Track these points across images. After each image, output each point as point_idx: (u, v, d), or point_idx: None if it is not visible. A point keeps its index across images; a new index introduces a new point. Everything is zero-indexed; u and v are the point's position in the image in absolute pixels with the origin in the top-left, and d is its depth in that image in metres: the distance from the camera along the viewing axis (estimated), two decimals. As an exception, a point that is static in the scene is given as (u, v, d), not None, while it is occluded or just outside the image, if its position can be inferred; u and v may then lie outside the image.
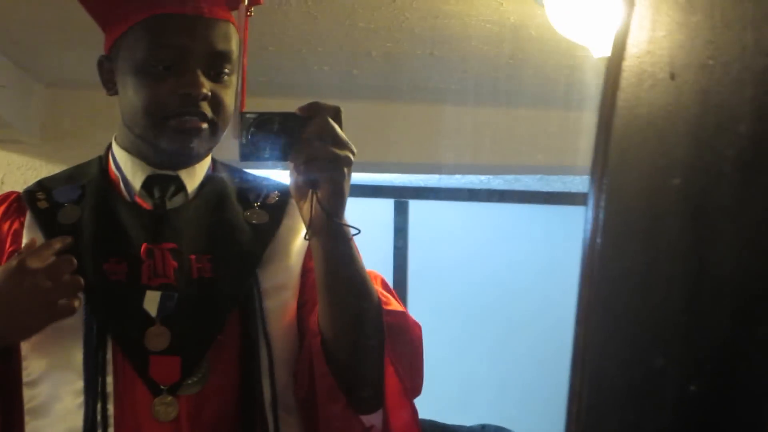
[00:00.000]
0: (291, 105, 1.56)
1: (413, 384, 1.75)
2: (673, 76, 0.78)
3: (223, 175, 1.85)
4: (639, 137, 0.78)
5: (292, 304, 1.76)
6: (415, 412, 1.73)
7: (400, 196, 6.46)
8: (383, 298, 1.69)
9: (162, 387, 1.63)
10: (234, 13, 1.74)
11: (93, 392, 1.61)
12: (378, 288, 1.73)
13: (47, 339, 1.64)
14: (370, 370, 1.66)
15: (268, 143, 1.52)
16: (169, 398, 1.62)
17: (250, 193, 1.82)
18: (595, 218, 0.79)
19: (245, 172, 1.89)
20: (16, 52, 3.26)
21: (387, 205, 6.44)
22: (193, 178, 1.79)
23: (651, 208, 0.78)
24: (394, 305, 1.72)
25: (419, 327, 1.75)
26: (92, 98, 3.74)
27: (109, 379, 1.62)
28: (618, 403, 0.78)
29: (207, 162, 1.83)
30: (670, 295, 0.78)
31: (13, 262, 1.59)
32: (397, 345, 1.68)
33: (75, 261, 1.60)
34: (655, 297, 0.78)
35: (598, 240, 0.78)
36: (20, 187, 3.63)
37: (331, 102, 1.55)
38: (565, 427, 0.79)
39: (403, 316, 1.73)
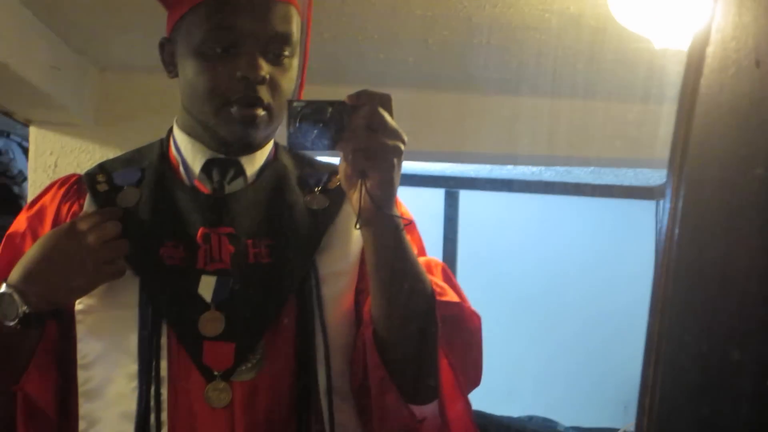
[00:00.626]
0: (345, 93, 1.55)
1: (469, 376, 1.73)
2: (758, 64, 0.76)
3: (285, 159, 1.84)
4: (721, 126, 0.76)
5: (350, 291, 1.75)
6: (468, 405, 1.71)
7: (451, 186, 6.45)
8: (437, 289, 1.66)
9: (215, 373, 1.63)
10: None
11: (147, 376, 1.62)
12: (435, 278, 1.71)
13: (102, 322, 1.65)
14: (422, 361, 1.65)
15: (317, 132, 1.51)
16: (222, 384, 1.62)
17: (311, 178, 1.81)
18: (674, 208, 0.77)
19: (308, 157, 1.88)
20: (71, 35, 3.27)
21: (438, 195, 6.44)
22: (254, 162, 1.78)
23: (732, 198, 0.76)
24: (450, 296, 1.69)
25: (478, 318, 1.72)
26: (146, 82, 3.75)
27: (164, 364, 1.63)
28: (692, 396, 0.77)
29: (268, 147, 1.82)
30: (748, 288, 0.76)
31: (64, 225, 1.64)
32: (451, 336, 1.66)
33: (120, 226, 1.65)
34: (734, 290, 0.76)
35: (677, 231, 0.77)
36: (73, 170, 3.68)
37: (386, 90, 1.53)
38: (636, 420, 0.78)
39: (459, 306, 1.69)
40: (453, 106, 4.02)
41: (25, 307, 1.59)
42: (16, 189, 5.01)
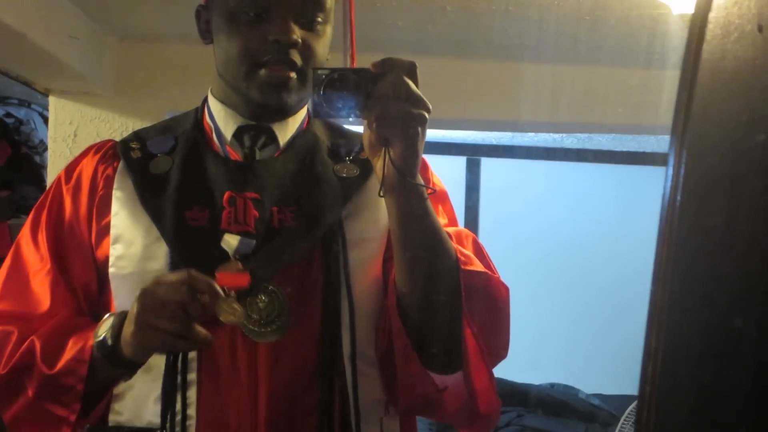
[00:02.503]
0: (363, 61, 1.54)
1: (495, 348, 1.73)
2: (761, 29, 0.75)
3: (318, 129, 1.85)
4: (724, 91, 0.76)
5: (378, 258, 1.76)
6: (491, 375, 1.71)
7: (473, 153, 6.43)
8: (463, 258, 1.66)
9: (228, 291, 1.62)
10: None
11: None
12: (463, 247, 1.71)
13: (134, 283, 1.66)
14: (445, 330, 1.65)
15: (341, 100, 1.51)
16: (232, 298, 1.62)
17: (342, 147, 1.81)
18: (676, 175, 0.76)
19: (341, 127, 1.89)
20: (89, 5, 3.28)
21: (459, 163, 6.43)
22: (286, 130, 1.79)
23: (734, 165, 0.75)
24: (477, 266, 1.69)
25: (506, 289, 1.73)
26: (165, 52, 3.76)
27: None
28: (694, 364, 0.76)
29: (301, 115, 1.83)
30: (751, 255, 0.76)
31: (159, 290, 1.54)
32: (477, 306, 1.66)
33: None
34: (736, 257, 0.76)
35: (678, 197, 0.76)
36: (93, 140, 3.70)
37: (404, 57, 1.53)
38: (639, 387, 0.77)
39: (486, 276, 1.69)
40: (473, 74, 4.01)
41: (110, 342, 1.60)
42: (37, 158, 5.03)
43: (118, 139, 1.88)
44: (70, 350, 1.65)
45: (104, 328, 1.62)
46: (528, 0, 3.04)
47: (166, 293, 1.49)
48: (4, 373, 1.68)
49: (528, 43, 3.63)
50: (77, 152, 3.60)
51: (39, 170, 4.94)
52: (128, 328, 1.55)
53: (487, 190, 6.46)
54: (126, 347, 1.58)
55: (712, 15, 0.75)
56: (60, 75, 3.42)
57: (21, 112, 5.63)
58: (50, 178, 3.78)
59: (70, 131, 3.72)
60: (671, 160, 0.77)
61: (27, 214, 5.14)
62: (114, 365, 1.61)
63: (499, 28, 3.41)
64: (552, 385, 6.24)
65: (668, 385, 0.77)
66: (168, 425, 1.65)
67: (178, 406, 1.65)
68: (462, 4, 3.14)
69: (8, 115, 5.56)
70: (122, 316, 1.60)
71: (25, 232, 1.81)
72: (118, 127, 3.74)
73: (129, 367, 1.62)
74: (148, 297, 1.51)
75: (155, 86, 3.75)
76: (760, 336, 0.76)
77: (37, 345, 1.66)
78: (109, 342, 1.59)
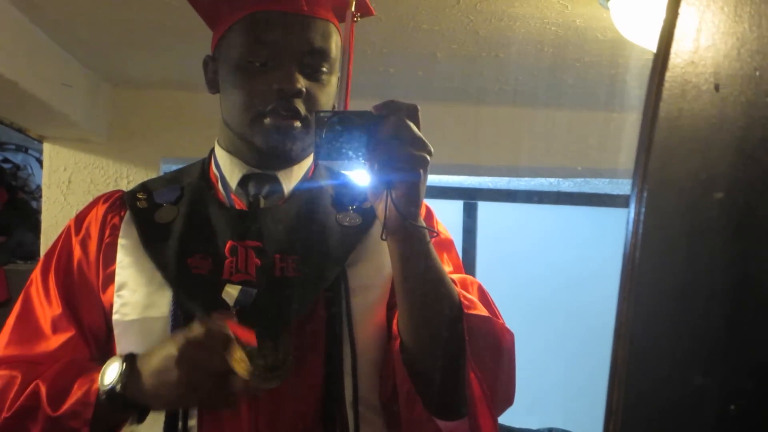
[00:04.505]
0: (356, 106, 1.55)
1: (501, 394, 1.71)
2: (717, 87, 0.76)
3: (322, 177, 1.86)
4: (681, 149, 0.76)
5: (381, 305, 1.76)
6: (495, 421, 1.70)
7: (470, 197, 6.44)
8: (467, 302, 1.66)
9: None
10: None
11: None
12: (469, 293, 1.70)
13: (138, 330, 1.69)
14: (448, 375, 1.63)
15: (343, 143, 1.51)
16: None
17: (346, 196, 1.82)
18: (635, 231, 0.77)
19: (345, 176, 1.90)
20: (83, 53, 3.30)
21: (456, 207, 6.44)
22: (291, 178, 1.81)
23: (692, 222, 0.76)
24: (481, 311, 1.68)
25: (510, 335, 1.72)
26: (158, 98, 3.78)
27: None
28: (655, 421, 0.76)
29: (306, 164, 1.84)
30: (710, 312, 0.76)
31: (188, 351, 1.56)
32: (481, 352, 1.65)
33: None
34: (696, 314, 0.76)
35: (637, 254, 0.77)
36: (86, 186, 3.72)
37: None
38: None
39: (489, 321, 1.68)
40: (465, 119, 4.03)
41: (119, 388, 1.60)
42: (34, 204, 5.04)
43: (112, 185, 1.90)
44: (76, 393, 1.64)
45: (111, 375, 1.61)
46: (517, 47, 3.05)
47: (202, 354, 1.51)
48: (8, 416, 1.68)
49: (519, 89, 3.64)
50: (72, 198, 3.61)
51: (36, 215, 4.95)
52: (152, 381, 1.56)
53: (485, 234, 6.46)
54: (144, 397, 1.58)
55: (668, 74, 0.76)
56: (54, 122, 3.44)
57: (18, 158, 5.66)
58: (45, 224, 3.79)
59: (65, 177, 3.74)
60: (630, 217, 0.78)
61: (23, 259, 5.17)
62: (122, 411, 1.62)
63: (488, 74, 3.42)
64: (550, 430, 6.21)
65: (629, 442, 0.77)
66: None
67: None
68: (451, 51, 3.16)
69: (5, 160, 5.59)
70: (130, 362, 1.60)
71: (35, 278, 1.83)
72: (112, 173, 3.75)
73: (140, 413, 1.63)
74: (187, 360, 1.51)
75: (149, 133, 3.77)
76: (721, 394, 0.76)
77: (43, 388, 1.66)
78: (118, 390, 1.59)
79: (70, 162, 3.73)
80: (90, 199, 1.88)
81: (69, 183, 3.73)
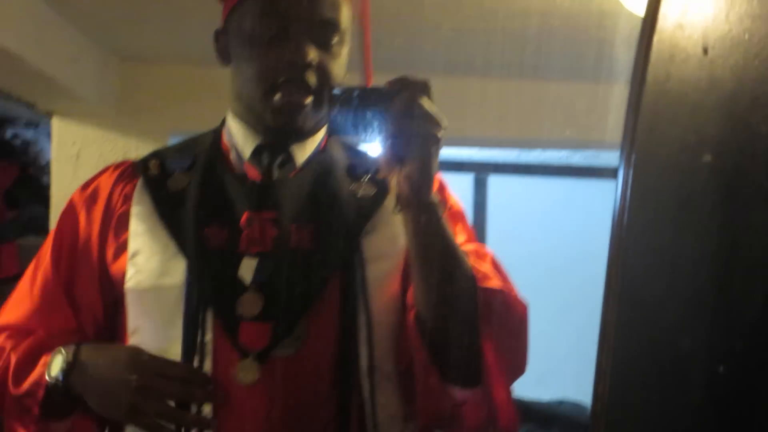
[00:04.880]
0: (357, 80, 1.55)
1: (513, 362, 1.71)
2: (706, 51, 0.76)
3: (336, 148, 1.85)
4: (669, 113, 0.76)
5: (396, 274, 1.75)
6: (510, 391, 1.70)
7: (480, 171, 6.44)
8: (480, 275, 1.67)
9: (248, 352, 1.65)
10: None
11: (191, 353, 1.64)
12: (481, 265, 1.71)
13: (151, 300, 1.69)
14: (462, 345, 1.64)
15: (356, 118, 1.51)
16: (250, 363, 1.64)
17: (359, 167, 1.82)
18: (623, 195, 0.77)
19: (359, 148, 1.89)
20: (90, 27, 3.29)
21: (467, 181, 6.43)
22: (304, 149, 1.80)
23: (681, 186, 0.76)
24: (494, 282, 1.69)
25: (524, 306, 1.71)
26: (166, 72, 3.78)
27: (208, 337, 1.67)
28: (644, 384, 0.77)
29: (319, 135, 1.83)
30: (698, 276, 0.76)
31: (152, 360, 1.62)
32: (495, 322, 1.66)
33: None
34: (684, 278, 0.76)
35: (626, 217, 0.77)
36: (95, 160, 3.72)
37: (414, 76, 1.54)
38: (591, 405, 0.78)
39: (502, 293, 1.67)
40: (475, 92, 4.02)
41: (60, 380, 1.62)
42: (45, 179, 5.06)
43: (121, 159, 1.89)
44: (36, 372, 1.65)
45: (56, 367, 1.63)
46: (523, 19, 3.05)
47: (164, 387, 1.56)
48: None
49: (526, 61, 3.63)
50: (80, 173, 3.62)
51: (46, 190, 4.97)
52: (99, 389, 1.60)
53: (495, 207, 6.46)
54: (89, 400, 1.61)
55: (656, 38, 0.76)
56: (61, 97, 3.44)
57: (28, 133, 5.68)
58: (55, 199, 3.80)
59: (74, 152, 3.75)
60: (619, 181, 0.78)
61: (35, 233, 5.20)
62: (69, 401, 1.63)
63: (494, 46, 3.42)
64: (560, 402, 6.22)
65: (618, 406, 0.77)
66: None
67: None
68: (457, 24, 3.15)
69: (15, 136, 5.61)
70: (71, 357, 1.63)
71: (42, 250, 1.83)
72: (121, 147, 3.76)
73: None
74: (145, 388, 1.56)
75: (157, 107, 3.77)
76: (709, 356, 0.76)
77: (12, 362, 1.68)
78: (59, 384, 1.61)
79: (78, 136, 3.73)
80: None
81: (78, 157, 3.73)
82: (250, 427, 1.64)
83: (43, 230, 4.13)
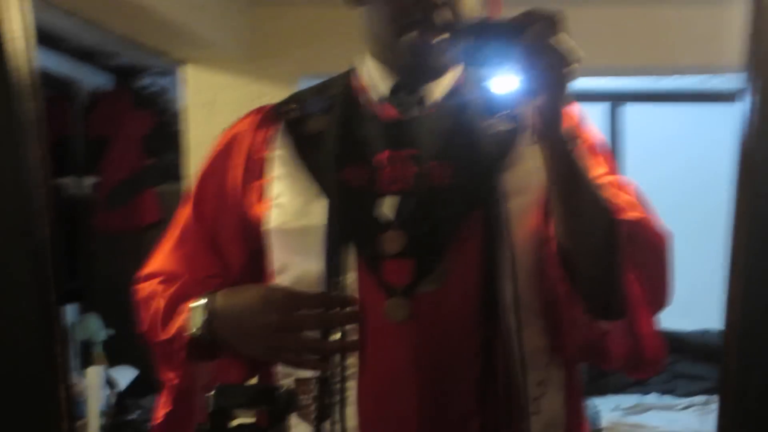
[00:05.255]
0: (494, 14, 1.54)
1: (657, 294, 1.72)
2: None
3: (471, 85, 1.85)
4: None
5: (537, 208, 1.74)
6: (655, 322, 1.71)
7: (614, 100, 6.35)
8: (620, 206, 1.66)
9: (396, 289, 1.69)
10: None
11: (333, 288, 1.68)
12: (623, 196, 1.70)
13: (293, 240, 1.74)
14: (604, 276, 1.64)
15: (485, 52, 1.50)
16: (402, 300, 1.66)
17: (496, 102, 1.81)
18: (750, 122, 0.75)
19: (494, 83, 1.88)
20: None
21: (601, 111, 6.34)
22: (439, 87, 1.80)
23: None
24: (635, 213, 1.68)
25: (665, 235, 1.72)
26: (297, 15, 3.79)
27: (350, 279, 1.69)
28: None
29: (455, 72, 1.84)
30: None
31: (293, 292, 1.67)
32: (637, 253, 1.65)
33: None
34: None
35: (753, 144, 0.75)
36: (228, 106, 3.77)
37: (545, 6, 1.52)
38: (724, 335, 0.77)
39: (644, 223, 1.69)
40: (608, 20, 3.95)
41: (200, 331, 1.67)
42: (180, 126, 5.15)
43: (254, 103, 1.92)
44: (181, 317, 1.70)
45: (197, 314, 1.67)
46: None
47: (303, 319, 1.60)
48: (144, 331, 1.78)
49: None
50: (214, 119, 3.68)
51: (182, 137, 5.07)
52: (239, 332, 1.64)
53: (631, 137, 6.37)
54: (232, 343, 1.66)
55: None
56: (192, 44, 3.49)
57: (164, 81, 5.78)
58: (188, 146, 3.87)
59: (206, 99, 3.80)
60: (746, 107, 0.76)
61: (173, 180, 5.30)
62: (211, 348, 1.68)
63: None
64: (704, 332, 6.13)
65: (749, 334, 0.76)
66: (328, 373, 1.68)
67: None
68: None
69: (150, 85, 5.72)
70: (211, 305, 1.67)
71: (187, 197, 1.89)
72: (253, 92, 3.80)
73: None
74: (283, 324, 1.59)
75: (288, 51, 3.79)
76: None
77: (161, 307, 1.74)
78: (199, 334, 1.66)
79: (211, 83, 3.77)
80: (231, 118, 1.90)
81: (211, 104, 3.78)
82: (398, 364, 1.67)
83: (180, 177, 4.21)
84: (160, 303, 1.75)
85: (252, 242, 1.81)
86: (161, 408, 1.80)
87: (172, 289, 1.76)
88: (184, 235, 1.85)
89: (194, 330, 1.67)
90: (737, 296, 0.74)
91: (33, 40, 1.12)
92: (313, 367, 1.64)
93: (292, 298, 1.63)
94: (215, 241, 1.83)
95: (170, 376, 1.75)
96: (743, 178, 0.74)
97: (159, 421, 1.81)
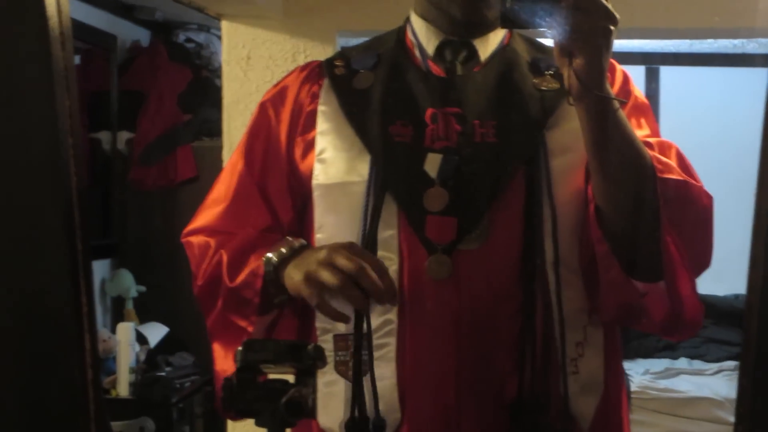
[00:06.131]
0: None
1: (697, 255, 1.72)
2: None
3: (518, 44, 1.86)
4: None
5: (580, 168, 1.75)
6: (695, 284, 1.71)
7: (651, 62, 6.31)
8: (660, 167, 1.66)
9: (438, 246, 1.69)
10: None
11: (372, 246, 1.70)
12: (666, 158, 1.70)
13: (337, 194, 1.76)
14: (643, 237, 1.64)
15: (528, 11, 1.53)
16: (444, 257, 1.68)
17: (542, 61, 1.82)
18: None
19: (541, 42, 1.89)
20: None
21: (638, 73, 6.31)
22: (486, 45, 1.82)
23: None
24: (677, 174, 1.68)
25: (708, 198, 1.73)
26: (334, -28, 3.78)
27: (393, 232, 1.72)
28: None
29: (502, 30, 1.84)
30: None
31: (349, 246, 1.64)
32: (677, 215, 1.66)
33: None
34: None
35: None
36: (265, 62, 3.77)
37: None
38: (746, 297, 0.77)
39: (685, 185, 1.68)
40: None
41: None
42: (217, 82, 5.17)
43: (290, 60, 1.95)
44: (250, 265, 1.73)
45: (276, 254, 1.69)
46: None
47: (349, 270, 1.57)
48: (201, 284, 1.81)
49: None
50: (251, 75, 3.69)
51: (219, 93, 5.08)
52: (296, 273, 1.64)
53: (667, 99, 6.33)
54: (287, 282, 1.66)
55: None
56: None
57: (201, 37, 5.80)
58: (226, 101, 3.87)
59: (243, 54, 3.79)
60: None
61: (209, 136, 5.33)
62: (277, 291, 1.70)
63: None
64: (736, 297, 6.12)
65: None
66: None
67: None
68: None
69: (189, 40, 5.73)
70: (293, 251, 1.69)
71: (234, 153, 1.92)
72: (289, 48, 3.79)
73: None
74: (332, 260, 1.58)
75: (324, 7, 3.78)
76: None
77: (225, 258, 1.76)
78: (272, 271, 1.68)
79: (248, 39, 3.76)
80: (268, 75, 1.93)
81: (248, 59, 3.77)
82: (437, 322, 1.69)
83: (217, 133, 4.23)
84: (223, 254, 1.77)
85: (298, 197, 1.84)
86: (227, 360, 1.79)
87: (236, 240, 1.79)
88: (236, 189, 1.87)
89: (269, 268, 1.68)
90: (759, 258, 0.75)
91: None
92: (337, 318, 1.63)
93: (355, 246, 1.63)
94: (265, 195, 1.85)
95: (242, 324, 1.76)
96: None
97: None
